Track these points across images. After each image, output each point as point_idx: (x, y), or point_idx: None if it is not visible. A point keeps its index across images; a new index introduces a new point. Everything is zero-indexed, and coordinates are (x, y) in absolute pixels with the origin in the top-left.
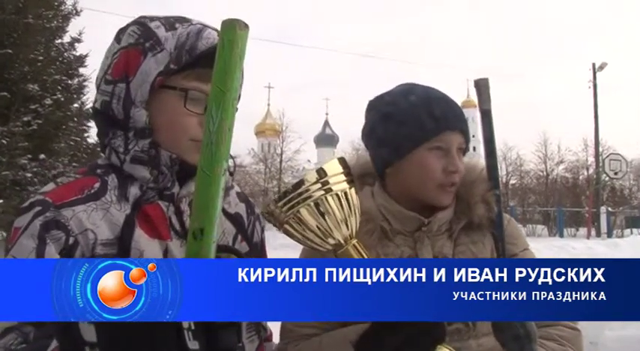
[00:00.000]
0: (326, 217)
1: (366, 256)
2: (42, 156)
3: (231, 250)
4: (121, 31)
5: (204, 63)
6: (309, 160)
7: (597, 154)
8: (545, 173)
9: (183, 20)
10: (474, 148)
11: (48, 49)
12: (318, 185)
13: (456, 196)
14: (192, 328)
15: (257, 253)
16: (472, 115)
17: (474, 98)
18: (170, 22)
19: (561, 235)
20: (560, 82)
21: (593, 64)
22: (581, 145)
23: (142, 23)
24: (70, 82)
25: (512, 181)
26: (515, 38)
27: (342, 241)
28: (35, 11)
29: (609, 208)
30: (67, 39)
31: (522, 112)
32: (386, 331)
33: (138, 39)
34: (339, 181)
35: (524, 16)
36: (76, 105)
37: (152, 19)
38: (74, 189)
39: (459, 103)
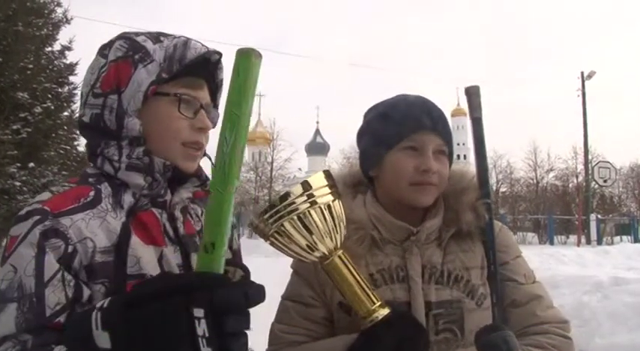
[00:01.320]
0: (310, 230)
1: (351, 267)
2: (31, 164)
3: (235, 264)
4: (105, 47)
5: (191, 71)
6: (299, 169)
7: (587, 162)
8: (535, 181)
9: (165, 34)
10: (465, 156)
11: (38, 57)
12: (304, 198)
13: (445, 205)
14: (207, 335)
15: (237, 259)
16: (462, 123)
17: (464, 106)
18: (154, 36)
19: (552, 243)
20: (550, 91)
21: (582, 73)
22: (571, 153)
23: (128, 38)
24: (60, 90)
25: (502, 189)
26: (504, 47)
27: (327, 253)
28: (25, 19)
29: (599, 216)
30: (57, 47)
31: (512, 120)
32: (373, 342)
33: (127, 52)
34: (323, 194)
35: (514, 25)
36: (66, 113)
37: (137, 34)
38: (70, 198)
39: (449, 112)
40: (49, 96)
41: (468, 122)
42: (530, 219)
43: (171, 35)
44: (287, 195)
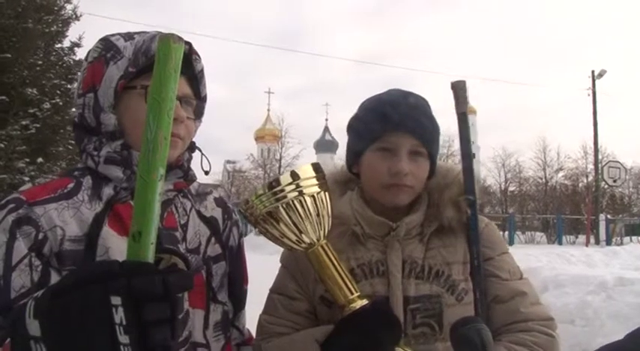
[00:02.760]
0: (296, 219)
1: (333, 258)
2: (40, 159)
3: (172, 252)
4: (89, 51)
5: None
6: None
7: (596, 162)
8: (544, 180)
9: (141, 32)
10: (474, 155)
11: (47, 53)
12: (292, 187)
13: (428, 200)
14: (124, 323)
15: (232, 256)
16: (472, 121)
17: (474, 105)
18: (129, 35)
19: (560, 243)
20: (560, 89)
21: (593, 72)
22: (581, 152)
23: (104, 39)
24: (69, 86)
25: (511, 188)
26: (514, 45)
27: (311, 242)
28: (35, 16)
29: (608, 216)
30: (66, 44)
31: (522, 119)
32: (347, 331)
33: (100, 52)
34: (311, 185)
35: (524, 22)
36: (74, 109)
37: (113, 34)
38: (48, 188)
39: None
40: (58, 92)
41: (477, 120)
42: (539, 218)
43: (146, 32)
44: (276, 182)
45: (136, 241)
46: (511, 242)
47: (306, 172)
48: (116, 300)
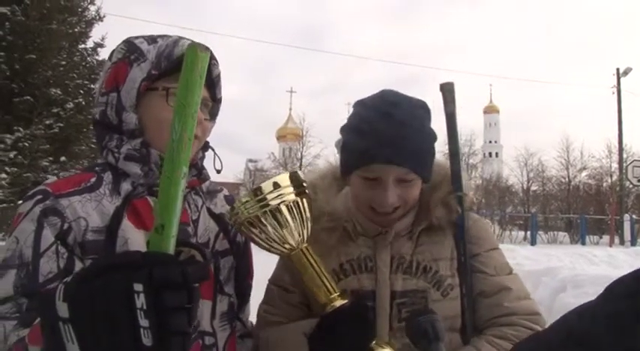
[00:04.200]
0: (276, 224)
1: (313, 260)
2: (63, 158)
3: (191, 245)
4: (113, 51)
5: (181, 67)
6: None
7: (621, 161)
8: (567, 180)
9: (164, 36)
10: (497, 154)
11: (71, 54)
12: (274, 195)
13: (419, 199)
14: (144, 308)
15: (239, 252)
16: (495, 120)
17: (497, 104)
18: (152, 38)
19: (583, 243)
20: (584, 88)
21: (618, 70)
22: (605, 151)
23: (128, 41)
24: (92, 86)
25: (533, 188)
26: (538, 43)
27: (293, 246)
28: (59, 17)
29: (634, 216)
30: (90, 44)
31: (545, 118)
32: (327, 328)
33: (125, 54)
34: (289, 192)
35: (548, 21)
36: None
37: (137, 37)
38: (72, 182)
39: (482, 109)
40: (81, 92)
41: (500, 119)
42: (562, 218)
43: (168, 36)
44: (259, 190)
45: (159, 233)
46: (533, 242)
47: (287, 180)
48: (138, 287)
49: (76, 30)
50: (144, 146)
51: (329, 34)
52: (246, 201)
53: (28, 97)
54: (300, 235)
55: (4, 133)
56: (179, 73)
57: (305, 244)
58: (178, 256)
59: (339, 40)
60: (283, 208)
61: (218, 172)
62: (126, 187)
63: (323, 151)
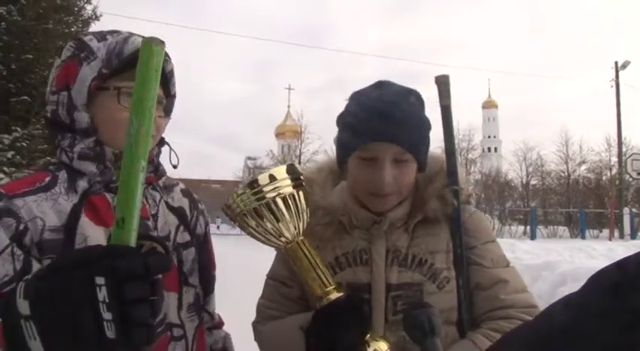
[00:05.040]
0: (272, 217)
1: (309, 253)
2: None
3: (152, 238)
4: (64, 49)
5: (132, 65)
6: None
7: (620, 154)
8: (566, 174)
9: (113, 32)
10: (495, 149)
11: None
12: (270, 187)
13: (414, 191)
14: (107, 301)
15: (199, 243)
16: (493, 115)
17: (496, 99)
18: (102, 35)
19: (583, 237)
20: (582, 81)
21: (616, 63)
22: (604, 144)
23: (78, 39)
24: None
25: (532, 182)
26: (536, 38)
27: (289, 239)
28: (55, 17)
29: (633, 209)
30: None
31: (543, 112)
32: (322, 321)
33: (74, 52)
34: (287, 185)
35: (545, 15)
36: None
37: (86, 34)
38: (26, 182)
39: (480, 104)
40: None
41: (498, 114)
42: (562, 212)
43: (118, 32)
44: (255, 183)
45: (120, 227)
46: (533, 236)
47: (283, 173)
48: (100, 280)
49: (72, 29)
50: (97, 145)
51: (327, 31)
52: (242, 193)
53: (26, 97)
54: (296, 228)
55: (2, 133)
56: (130, 71)
57: (301, 237)
58: (140, 249)
59: (337, 37)
60: (279, 200)
61: (174, 167)
62: (82, 184)
63: (322, 148)
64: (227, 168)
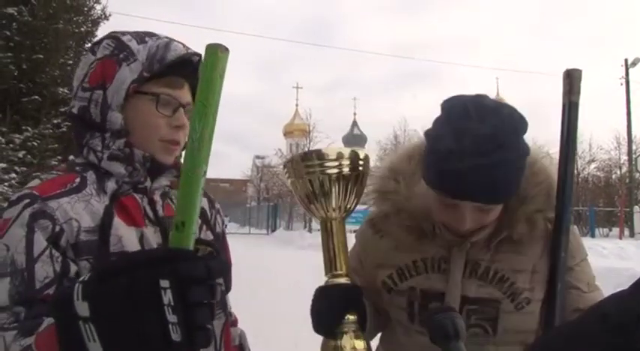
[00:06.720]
0: (327, 191)
1: (340, 235)
2: (71, 157)
3: (205, 243)
4: (96, 45)
5: (172, 71)
6: None
7: (630, 152)
8: (576, 172)
9: (151, 34)
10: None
11: (78, 53)
12: (335, 163)
13: (499, 216)
14: (172, 304)
15: (219, 241)
16: None
17: (504, 97)
18: (140, 36)
19: (593, 235)
20: (592, 79)
21: (626, 60)
22: (614, 143)
23: (115, 37)
24: None
25: None
26: (546, 34)
27: (331, 216)
28: (65, 17)
29: None
30: None
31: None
32: (317, 299)
33: (113, 51)
34: (348, 166)
35: (556, 12)
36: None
37: (123, 33)
38: (58, 183)
39: None
40: None
41: None
42: (571, 211)
43: (155, 35)
44: (322, 154)
45: (180, 230)
46: None
47: (334, 154)
48: (165, 283)
49: (82, 29)
50: (127, 146)
51: (335, 29)
52: (296, 162)
53: (36, 97)
54: (333, 209)
55: (14, 132)
56: (169, 77)
57: (340, 218)
58: (197, 253)
59: (346, 36)
60: (325, 178)
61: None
62: (111, 185)
63: (330, 146)
64: (235, 167)
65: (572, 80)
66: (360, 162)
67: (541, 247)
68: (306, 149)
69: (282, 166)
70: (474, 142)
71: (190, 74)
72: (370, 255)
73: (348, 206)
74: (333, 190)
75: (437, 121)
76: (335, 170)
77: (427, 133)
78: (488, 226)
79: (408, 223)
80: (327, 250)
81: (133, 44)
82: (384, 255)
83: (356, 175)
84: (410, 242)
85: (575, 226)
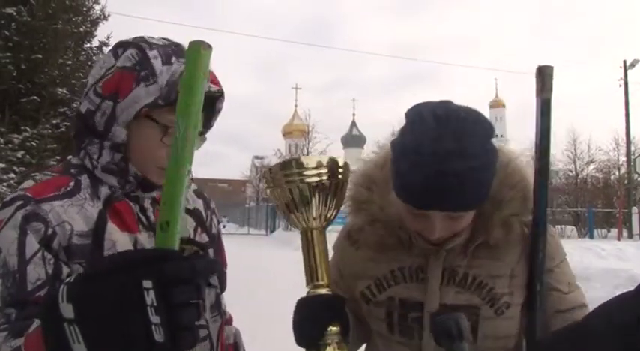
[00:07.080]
0: (306, 201)
1: (320, 245)
2: (70, 157)
3: (192, 242)
4: (120, 47)
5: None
6: None
7: (629, 154)
8: (574, 173)
9: (179, 54)
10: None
11: (77, 53)
12: (314, 172)
13: (475, 218)
14: (155, 304)
15: (215, 242)
16: (500, 114)
17: (503, 98)
18: (168, 54)
19: (591, 237)
20: (590, 80)
21: (624, 62)
22: (612, 144)
23: (142, 49)
24: None
25: None
26: (546, 34)
27: (312, 225)
28: (64, 17)
29: None
30: (95, 43)
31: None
32: (298, 310)
33: (135, 65)
34: (312, 175)
35: (555, 13)
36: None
37: (151, 46)
38: (51, 186)
39: (487, 103)
40: None
41: (505, 114)
42: (570, 212)
43: (183, 56)
44: (301, 163)
45: (164, 230)
46: None
47: (314, 163)
48: (147, 283)
49: (81, 29)
50: (123, 160)
51: (335, 29)
52: (275, 171)
53: (35, 97)
54: (314, 218)
55: (12, 133)
56: None
57: (320, 229)
58: (182, 253)
59: (345, 36)
60: (304, 187)
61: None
62: (105, 191)
63: (329, 147)
64: (234, 167)
65: (544, 77)
66: (340, 170)
67: (518, 252)
68: (305, 150)
69: (266, 175)
70: (436, 151)
71: (205, 107)
72: (348, 266)
73: (329, 215)
74: (313, 199)
75: (401, 131)
76: (314, 179)
77: (392, 143)
78: (462, 232)
79: (383, 232)
80: (307, 261)
81: (157, 64)
82: (361, 266)
83: (336, 184)
84: (386, 252)
85: (553, 227)
